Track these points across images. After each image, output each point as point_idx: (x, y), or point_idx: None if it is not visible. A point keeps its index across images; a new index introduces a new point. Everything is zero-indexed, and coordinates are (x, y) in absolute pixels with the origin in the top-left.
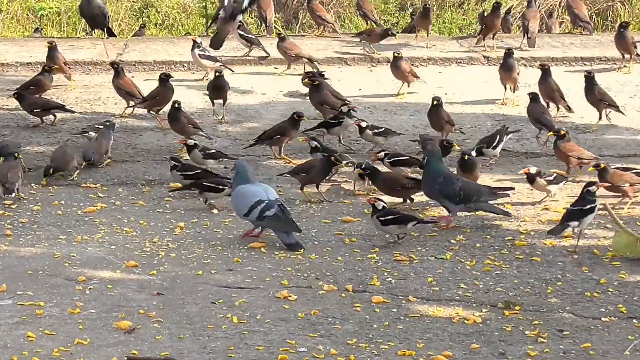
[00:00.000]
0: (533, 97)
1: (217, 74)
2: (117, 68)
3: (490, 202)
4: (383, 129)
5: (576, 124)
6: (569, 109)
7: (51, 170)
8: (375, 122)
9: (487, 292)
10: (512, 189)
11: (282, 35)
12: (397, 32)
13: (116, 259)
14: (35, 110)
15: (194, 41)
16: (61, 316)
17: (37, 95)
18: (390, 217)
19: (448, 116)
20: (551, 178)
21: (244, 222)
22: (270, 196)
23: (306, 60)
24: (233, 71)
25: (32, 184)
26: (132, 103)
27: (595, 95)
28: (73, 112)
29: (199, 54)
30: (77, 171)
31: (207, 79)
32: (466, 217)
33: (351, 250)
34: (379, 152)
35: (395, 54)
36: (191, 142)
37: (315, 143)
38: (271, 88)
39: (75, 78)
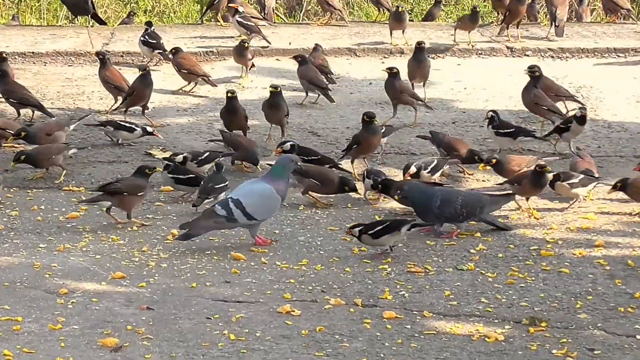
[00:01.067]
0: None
1: (229, 94)
2: (102, 59)
3: (493, 211)
4: (383, 128)
5: (608, 122)
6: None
7: (22, 157)
8: (388, 119)
9: (510, 307)
10: (513, 194)
11: (177, 47)
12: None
13: (101, 269)
14: (10, 100)
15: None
16: (41, 332)
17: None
18: (379, 227)
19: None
20: (576, 180)
21: (242, 230)
22: (234, 194)
23: (202, 79)
24: (170, 59)
25: (10, 187)
26: (119, 99)
27: (532, 98)
28: (52, 115)
29: (141, 40)
30: (65, 171)
31: (152, 66)
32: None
33: (360, 260)
34: (410, 168)
35: (418, 44)
36: (179, 157)
37: (289, 145)
38: (271, 81)
39: (57, 70)
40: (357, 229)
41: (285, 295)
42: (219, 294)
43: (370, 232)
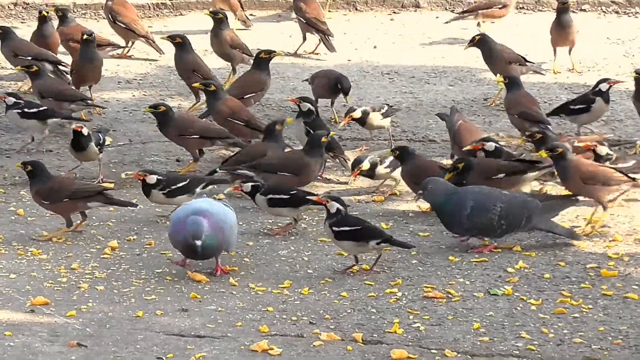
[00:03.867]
0: None
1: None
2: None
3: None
4: (386, 107)
5: None
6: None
7: None
8: (399, 94)
9: (560, 344)
10: (577, 199)
11: None
12: None
13: (18, 293)
14: None
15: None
16: None
17: None
18: (346, 228)
19: None
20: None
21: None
22: None
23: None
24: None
25: None
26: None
27: None
28: None
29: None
30: None
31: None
32: (529, 233)
33: (361, 282)
34: (363, 163)
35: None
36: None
37: (309, 106)
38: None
39: None
40: (334, 204)
41: (262, 327)
42: (173, 325)
43: (334, 227)
